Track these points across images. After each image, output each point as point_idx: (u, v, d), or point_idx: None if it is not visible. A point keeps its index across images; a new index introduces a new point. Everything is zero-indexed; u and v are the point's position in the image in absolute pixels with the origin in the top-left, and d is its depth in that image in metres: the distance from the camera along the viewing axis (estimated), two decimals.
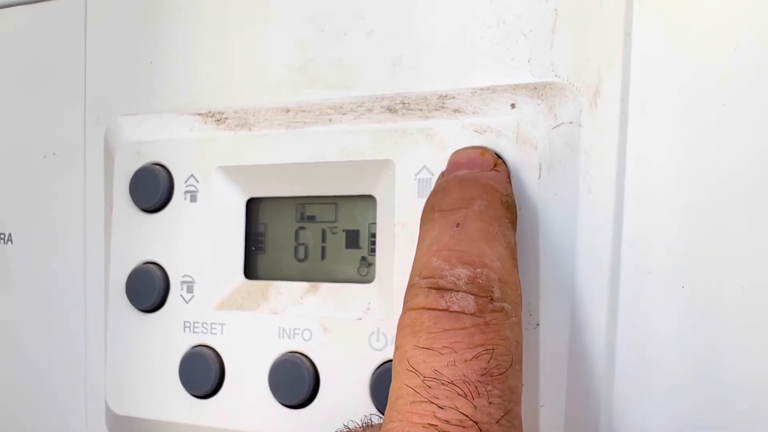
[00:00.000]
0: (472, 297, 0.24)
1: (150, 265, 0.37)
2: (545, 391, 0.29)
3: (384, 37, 0.33)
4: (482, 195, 0.27)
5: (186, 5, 0.37)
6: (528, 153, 0.29)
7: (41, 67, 0.41)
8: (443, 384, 0.23)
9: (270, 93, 0.35)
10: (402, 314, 0.25)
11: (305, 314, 0.34)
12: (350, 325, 0.32)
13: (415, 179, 0.31)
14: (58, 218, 0.40)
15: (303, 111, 0.34)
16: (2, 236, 0.42)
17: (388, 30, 0.33)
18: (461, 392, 0.23)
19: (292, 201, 0.36)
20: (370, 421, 0.30)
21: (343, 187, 0.34)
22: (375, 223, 0.33)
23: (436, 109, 0.31)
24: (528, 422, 0.28)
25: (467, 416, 0.22)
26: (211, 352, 0.35)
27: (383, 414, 0.25)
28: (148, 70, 0.38)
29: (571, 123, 0.29)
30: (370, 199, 0.33)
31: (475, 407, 0.22)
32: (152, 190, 0.36)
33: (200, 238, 0.36)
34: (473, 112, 0.31)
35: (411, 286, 0.25)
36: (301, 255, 0.36)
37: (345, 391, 0.32)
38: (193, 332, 0.36)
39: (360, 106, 0.33)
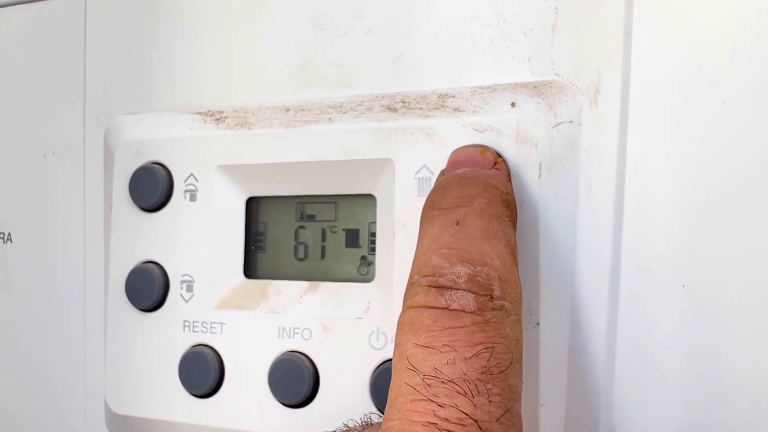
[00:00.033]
0: (472, 295, 0.24)
1: (149, 264, 0.37)
2: (545, 390, 0.29)
3: (384, 36, 0.33)
4: (482, 193, 0.27)
5: (185, 4, 0.37)
6: (528, 152, 0.29)
7: (41, 66, 0.41)
8: (443, 382, 0.23)
9: (270, 92, 0.35)
10: (402, 312, 0.25)
11: (305, 313, 0.34)
12: (350, 325, 0.32)
13: (415, 178, 0.31)
14: (57, 218, 0.40)
15: (303, 110, 0.34)
16: (2, 235, 0.42)
17: (388, 29, 0.33)
18: (461, 390, 0.23)
19: (292, 200, 0.36)
20: (369, 420, 0.30)
21: (342, 186, 0.34)
22: (375, 222, 0.33)
23: (436, 108, 0.31)
24: (528, 421, 0.28)
25: (467, 414, 0.22)
26: (210, 352, 0.35)
27: (383, 413, 0.25)
28: (148, 70, 0.38)
29: (572, 122, 0.29)
30: (369, 198, 0.33)
31: (475, 405, 0.22)
32: (152, 189, 0.36)
33: (200, 238, 0.36)
34: (473, 111, 0.31)
35: (411, 284, 0.25)
36: (301, 254, 0.35)
37: (345, 391, 0.32)
38: (193, 331, 0.36)
39: (360, 105, 0.33)
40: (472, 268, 0.25)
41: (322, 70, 0.34)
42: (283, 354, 0.33)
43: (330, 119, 0.34)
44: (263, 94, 0.35)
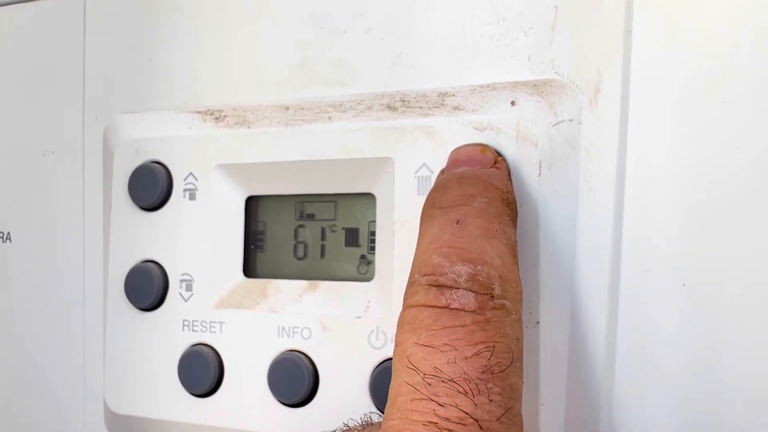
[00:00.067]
0: (473, 294, 0.24)
1: (149, 263, 0.37)
2: (545, 389, 0.29)
3: (383, 35, 0.33)
4: (482, 192, 0.27)
5: (185, 4, 0.37)
6: (528, 150, 0.29)
7: (40, 65, 0.41)
8: (443, 381, 0.23)
9: (269, 91, 0.35)
10: (402, 311, 0.25)
11: (304, 313, 0.34)
12: (350, 324, 0.32)
13: (415, 177, 0.31)
14: (56, 217, 0.40)
15: (302, 109, 0.34)
16: (1, 235, 0.42)
17: (388, 28, 0.33)
18: (461, 390, 0.22)
19: (292, 199, 0.35)
20: (369, 420, 0.30)
21: (342, 185, 0.34)
22: (374, 221, 0.33)
23: (436, 107, 0.31)
24: (528, 420, 0.28)
25: (467, 414, 0.22)
26: (210, 351, 0.35)
27: (383, 412, 0.25)
28: (147, 69, 0.38)
29: (572, 120, 0.29)
30: (369, 197, 0.33)
31: (475, 405, 0.22)
32: (151, 188, 0.36)
33: (199, 237, 0.36)
34: (473, 110, 0.31)
35: (411, 283, 0.25)
36: (301, 253, 0.35)
37: (344, 390, 0.32)
38: (192, 331, 0.36)
39: (359, 103, 0.33)
40: (472, 267, 0.24)
41: (322, 69, 0.34)
42: (282, 353, 0.33)
43: (330, 118, 0.34)
44: (263, 93, 0.35)
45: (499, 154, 0.29)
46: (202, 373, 0.35)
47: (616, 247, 0.29)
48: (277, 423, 0.34)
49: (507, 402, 0.23)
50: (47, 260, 0.41)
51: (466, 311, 0.24)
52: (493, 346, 0.23)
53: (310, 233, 0.35)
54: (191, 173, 0.36)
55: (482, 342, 0.23)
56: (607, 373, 0.29)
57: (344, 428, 0.29)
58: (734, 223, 0.27)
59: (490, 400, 0.23)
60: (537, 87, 0.30)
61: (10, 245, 0.42)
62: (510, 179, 0.29)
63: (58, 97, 0.40)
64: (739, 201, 0.27)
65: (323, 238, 0.35)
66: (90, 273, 0.39)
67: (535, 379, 0.29)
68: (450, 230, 0.26)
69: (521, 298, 0.26)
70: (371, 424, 0.29)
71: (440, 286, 0.24)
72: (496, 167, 0.29)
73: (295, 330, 0.33)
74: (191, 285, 0.36)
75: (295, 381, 0.33)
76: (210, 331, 0.35)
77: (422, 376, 0.23)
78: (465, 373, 0.23)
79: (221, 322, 0.35)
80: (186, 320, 0.36)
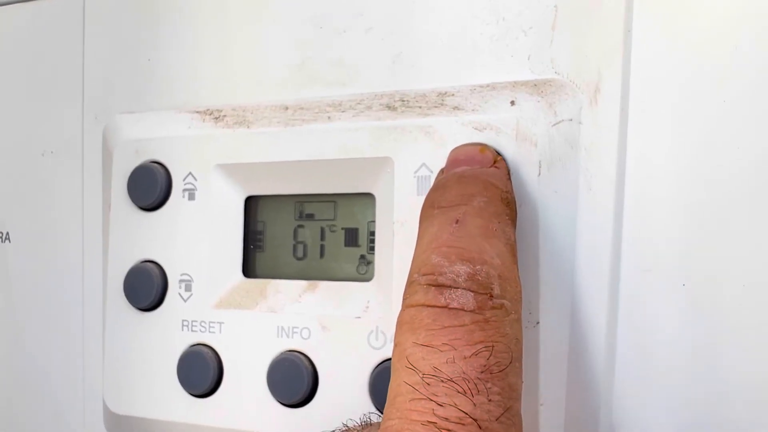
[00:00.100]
0: (472, 294, 0.24)
1: (148, 263, 0.37)
2: (545, 389, 0.29)
3: (383, 35, 0.33)
4: (482, 192, 0.27)
5: (184, 3, 0.37)
6: (528, 150, 0.29)
7: (39, 65, 0.41)
8: (442, 381, 0.23)
9: (269, 91, 0.35)
10: (401, 311, 0.25)
11: (304, 313, 0.33)
12: (349, 324, 0.32)
13: (414, 177, 0.31)
14: (56, 217, 0.40)
15: (302, 108, 0.34)
16: (0, 235, 0.42)
17: (388, 27, 0.33)
18: (460, 389, 0.22)
19: (291, 199, 0.35)
20: (368, 420, 0.30)
21: (342, 185, 0.34)
22: (374, 221, 0.33)
23: (436, 107, 0.31)
24: (528, 421, 0.28)
25: (466, 414, 0.22)
26: (209, 351, 0.35)
27: (382, 412, 0.25)
28: (146, 68, 0.38)
29: (571, 120, 0.29)
30: (369, 196, 0.33)
31: (474, 405, 0.22)
32: (150, 188, 0.36)
33: (198, 237, 0.36)
34: (473, 110, 0.31)
35: (410, 283, 0.25)
36: (300, 253, 0.35)
37: (344, 390, 0.32)
38: (192, 331, 0.36)
39: (359, 103, 0.33)
40: (471, 266, 0.24)
41: (322, 69, 0.34)
42: (281, 353, 0.33)
43: (329, 118, 0.33)
44: (262, 93, 0.35)
45: (498, 153, 0.29)
46: (202, 373, 0.35)
47: (616, 247, 0.29)
48: (276, 423, 0.33)
49: (506, 402, 0.23)
50: (47, 260, 0.41)
51: (465, 311, 0.24)
52: (492, 346, 0.23)
53: (309, 233, 0.35)
54: (190, 173, 0.36)
55: (481, 342, 0.23)
56: (607, 373, 0.29)
57: (343, 428, 0.29)
58: (734, 223, 0.27)
59: (489, 400, 0.23)
60: (537, 87, 0.30)
61: (10, 245, 0.42)
62: (509, 179, 0.29)
63: (58, 97, 0.40)
64: (739, 201, 0.27)
65: (323, 238, 0.35)
66: (89, 273, 0.39)
67: (535, 380, 0.29)
68: (449, 230, 0.26)
69: (520, 297, 0.26)
70: (370, 424, 0.29)
71: (439, 286, 0.24)
72: (496, 167, 0.29)
73: (295, 330, 0.33)
74: (190, 285, 0.36)
75: (295, 381, 0.33)
76: (209, 332, 0.35)
77: (421, 375, 0.23)
78: (464, 373, 0.23)
79: (220, 323, 0.35)
80: (185, 320, 0.36)
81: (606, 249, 0.29)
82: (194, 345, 0.35)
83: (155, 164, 0.37)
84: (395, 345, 0.25)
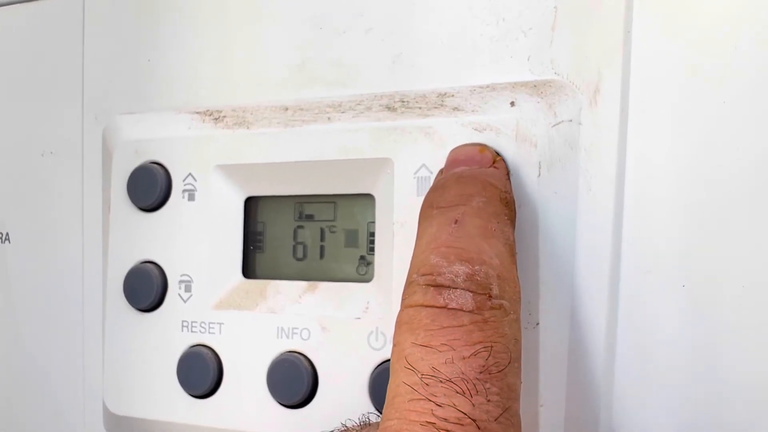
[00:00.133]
0: (471, 294, 0.24)
1: (148, 264, 0.37)
2: (545, 390, 0.29)
3: (383, 36, 0.33)
4: (481, 192, 0.27)
5: (184, 4, 0.37)
6: (527, 151, 0.29)
7: (39, 65, 0.41)
8: (441, 381, 0.23)
9: (269, 91, 0.35)
10: (400, 311, 0.25)
11: (304, 313, 0.33)
12: (349, 325, 0.32)
13: (414, 178, 0.31)
14: (55, 217, 0.40)
15: (302, 109, 0.34)
16: (0, 235, 0.42)
17: (387, 28, 0.32)
18: (459, 390, 0.22)
19: (291, 200, 0.35)
20: (368, 420, 0.29)
21: (341, 185, 0.34)
22: (374, 222, 0.33)
23: (435, 108, 0.31)
24: (528, 422, 0.28)
25: (465, 414, 0.22)
26: (209, 352, 0.35)
27: (381, 413, 0.25)
28: (146, 69, 0.38)
29: (571, 121, 0.29)
30: (368, 197, 0.33)
31: (473, 405, 0.22)
32: (150, 188, 0.36)
33: (198, 237, 0.36)
34: (472, 110, 0.31)
35: (409, 283, 0.25)
36: (300, 254, 0.35)
37: (344, 391, 0.32)
38: (191, 332, 0.36)
39: (359, 104, 0.33)
40: (470, 266, 0.24)
41: (321, 70, 0.34)
42: (281, 354, 0.33)
43: (329, 118, 0.33)
44: (262, 94, 0.35)
45: (498, 154, 0.29)
46: (201, 374, 0.35)
47: (616, 247, 0.29)
48: (276, 424, 0.33)
49: (505, 402, 0.23)
50: (46, 261, 0.41)
51: (464, 311, 0.24)
52: (491, 346, 0.23)
53: (309, 234, 0.35)
54: (190, 174, 0.36)
55: (480, 342, 0.23)
56: (607, 374, 0.29)
57: (343, 429, 0.28)
58: (734, 223, 0.27)
59: (488, 400, 0.23)
60: (536, 87, 0.30)
61: (10, 246, 0.42)
62: (509, 179, 0.29)
63: (58, 98, 0.40)
64: (739, 201, 0.27)
65: (322, 238, 0.35)
66: (89, 274, 0.39)
67: (535, 380, 0.29)
68: (448, 230, 0.26)
69: (519, 297, 0.26)
70: (369, 424, 0.29)
71: (438, 286, 0.24)
72: (495, 167, 0.29)
73: (295, 331, 0.33)
74: (190, 286, 0.36)
75: (295, 382, 0.33)
76: (209, 332, 0.35)
77: (420, 376, 0.23)
78: (463, 373, 0.23)
79: (220, 323, 0.35)
80: (185, 321, 0.36)
81: (606, 249, 0.29)
82: (194, 346, 0.35)
83: (155, 165, 0.37)
84: (394, 345, 0.25)
